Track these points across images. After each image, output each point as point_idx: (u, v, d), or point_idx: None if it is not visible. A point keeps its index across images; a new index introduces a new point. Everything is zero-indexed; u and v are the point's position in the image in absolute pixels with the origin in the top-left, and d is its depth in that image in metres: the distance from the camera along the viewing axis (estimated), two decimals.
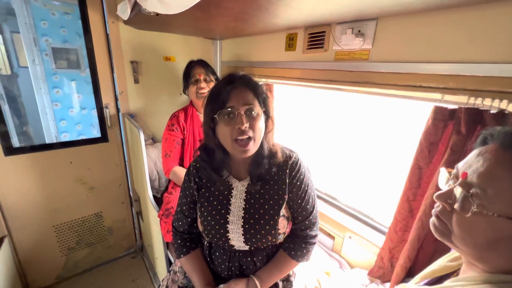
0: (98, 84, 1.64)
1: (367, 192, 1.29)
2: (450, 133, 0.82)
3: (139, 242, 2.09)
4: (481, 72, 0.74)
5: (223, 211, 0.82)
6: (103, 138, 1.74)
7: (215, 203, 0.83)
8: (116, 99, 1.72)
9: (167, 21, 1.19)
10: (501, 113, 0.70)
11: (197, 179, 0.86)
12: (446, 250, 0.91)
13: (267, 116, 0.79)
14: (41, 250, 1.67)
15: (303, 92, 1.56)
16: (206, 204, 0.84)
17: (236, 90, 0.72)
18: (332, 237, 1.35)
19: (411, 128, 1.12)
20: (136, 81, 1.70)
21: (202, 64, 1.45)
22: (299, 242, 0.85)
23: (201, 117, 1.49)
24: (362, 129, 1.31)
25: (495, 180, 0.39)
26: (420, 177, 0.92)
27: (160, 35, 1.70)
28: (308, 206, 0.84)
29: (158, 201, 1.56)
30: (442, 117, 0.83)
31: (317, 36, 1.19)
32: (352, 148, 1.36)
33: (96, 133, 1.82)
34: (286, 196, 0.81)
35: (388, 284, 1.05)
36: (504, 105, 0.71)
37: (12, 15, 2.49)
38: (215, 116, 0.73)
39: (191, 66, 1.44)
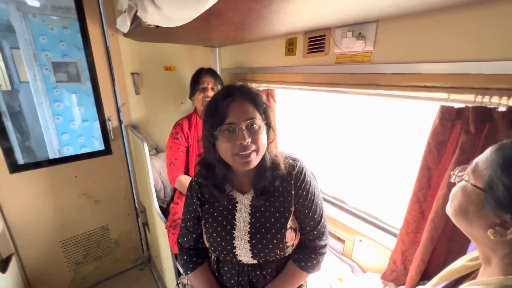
0: (100, 97, 1.64)
1: (375, 194, 1.27)
2: (459, 132, 0.81)
3: (146, 254, 2.08)
4: (487, 70, 0.73)
5: (228, 227, 0.80)
6: (107, 150, 1.74)
7: (219, 218, 0.81)
8: (118, 111, 1.72)
9: (167, 32, 1.19)
10: (511, 111, 0.69)
11: (199, 195, 0.84)
12: (460, 251, 0.90)
13: (269, 126, 0.76)
14: (48, 266, 1.66)
15: (306, 96, 1.56)
16: (210, 220, 0.81)
17: (235, 104, 0.69)
18: (342, 241, 1.33)
19: (418, 128, 1.12)
20: (137, 92, 1.70)
21: (211, 73, 1.46)
22: (308, 253, 0.83)
23: None
24: (368, 131, 1.30)
25: (485, 156, 0.44)
26: (430, 177, 0.91)
27: (159, 45, 1.71)
28: (315, 216, 0.82)
29: (165, 211, 1.56)
30: (449, 116, 0.82)
31: (317, 40, 1.19)
32: (359, 150, 1.35)
33: (98, 144, 1.83)
34: (293, 208, 0.79)
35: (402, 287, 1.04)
36: None
37: (12, 31, 2.51)
38: (214, 132, 0.69)
39: (201, 73, 1.44)
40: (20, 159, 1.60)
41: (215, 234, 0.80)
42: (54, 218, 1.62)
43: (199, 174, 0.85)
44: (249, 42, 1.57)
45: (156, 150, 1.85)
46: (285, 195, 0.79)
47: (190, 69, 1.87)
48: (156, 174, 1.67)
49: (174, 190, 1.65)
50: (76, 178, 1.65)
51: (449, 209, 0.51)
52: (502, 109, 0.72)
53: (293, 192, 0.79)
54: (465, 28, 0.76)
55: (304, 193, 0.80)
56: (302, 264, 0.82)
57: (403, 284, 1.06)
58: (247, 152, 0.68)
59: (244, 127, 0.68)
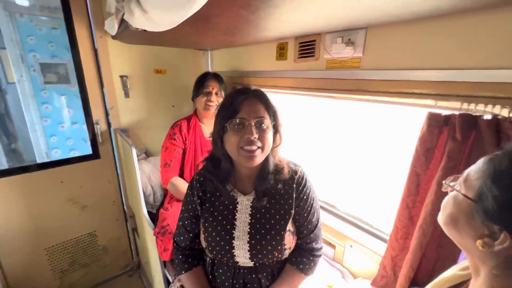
0: (88, 100, 1.60)
1: (366, 199, 1.27)
2: (446, 139, 0.82)
3: (135, 260, 2.03)
4: (473, 78, 0.74)
5: (228, 227, 0.80)
6: (95, 155, 1.70)
7: (220, 218, 0.81)
8: (107, 115, 1.68)
9: (156, 36, 1.18)
10: (495, 119, 0.70)
11: (200, 193, 0.84)
12: (449, 256, 0.90)
13: (276, 130, 0.79)
14: (32, 275, 1.60)
15: (297, 100, 1.55)
16: (210, 219, 0.82)
17: (248, 101, 0.73)
18: (333, 246, 1.33)
19: (406, 133, 1.12)
20: (127, 95, 1.67)
21: (217, 78, 1.45)
22: (306, 255, 0.85)
23: (204, 128, 1.48)
24: (358, 136, 1.30)
25: (477, 166, 0.45)
26: (418, 184, 0.91)
27: (149, 48, 1.68)
28: (313, 220, 0.85)
29: (154, 217, 1.52)
30: (436, 123, 0.82)
31: (307, 45, 1.19)
32: (349, 155, 1.35)
33: (88, 147, 1.79)
34: (293, 211, 0.81)
35: None
36: (498, 110, 0.71)
37: None
38: (225, 124, 0.73)
39: (207, 76, 1.43)
40: (4, 163, 1.55)
41: (214, 233, 0.80)
42: (38, 225, 1.57)
43: (201, 173, 0.86)
44: (241, 46, 1.56)
45: (146, 154, 1.81)
46: (286, 198, 0.81)
47: (181, 72, 1.86)
48: (145, 178, 1.64)
49: (164, 195, 1.62)
50: (62, 183, 1.60)
51: (440, 218, 0.51)
52: (487, 117, 0.72)
53: (294, 195, 0.81)
54: (452, 37, 0.77)
55: (305, 197, 0.82)
56: (301, 266, 0.84)
57: None
58: (253, 147, 0.71)
59: (253, 123, 0.71)
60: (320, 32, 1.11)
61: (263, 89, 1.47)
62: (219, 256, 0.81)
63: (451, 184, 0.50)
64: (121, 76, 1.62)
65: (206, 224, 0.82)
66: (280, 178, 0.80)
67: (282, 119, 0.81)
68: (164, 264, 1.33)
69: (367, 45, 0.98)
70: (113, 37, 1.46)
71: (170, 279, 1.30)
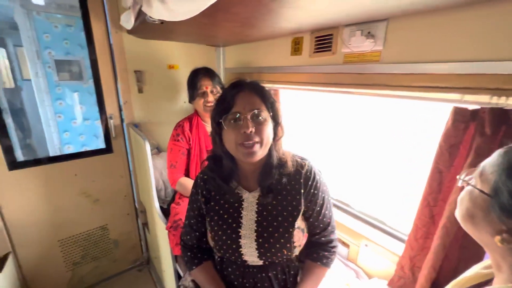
0: (102, 95, 1.62)
1: (381, 198, 1.24)
2: (472, 134, 0.78)
3: (145, 255, 2.05)
4: (503, 70, 0.70)
5: (234, 225, 0.78)
6: (108, 149, 1.71)
7: (225, 216, 0.79)
8: (120, 109, 1.70)
9: (171, 29, 1.18)
10: None
11: (204, 192, 0.83)
12: (473, 257, 0.86)
13: (276, 122, 0.76)
14: (46, 266, 1.63)
15: (311, 96, 1.53)
16: (216, 218, 0.80)
17: (242, 94, 0.71)
18: (347, 245, 1.30)
19: (425, 130, 1.09)
20: (140, 90, 1.68)
21: (208, 74, 1.38)
22: (325, 248, 0.84)
23: (207, 126, 1.47)
24: (373, 132, 1.27)
25: (492, 159, 0.43)
26: (441, 181, 0.88)
27: (163, 44, 1.69)
28: (327, 213, 0.82)
29: (165, 212, 1.52)
30: (462, 118, 0.79)
31: (324, 40, 1.17)
32: (364, 152, 1.32)
33: (99, 143, 1.81)
34: (301, 208, 0.78)
35: None
36: None
37: (15, 29, 2.51)
38: (220, 120, 0.71)
39: (197, 75, 1.37)
40: (20, 156, 1.58)
41: (220, 232, 0.79)
42: (53, 216, 1.59)
43: (205, 171, 0.84)
44: (254, 42, 1.55)
45: (157, 150, 1.82)
46: (293, 194, 0.78)
47: (194, 67, 1.85)
48: (157, 173, 1.64)
49: (175, 190, 1.62)
50: (76, 176, 1.62)
51: (457, 213, 0.50)
52: None
53: (302, 191, 0.78)
54: (480, 27, 0.73)
55: (315, 191, 0.79)
56: (324, 261, 0.83)
57: None
58: (250, 142, 0.68)
59: (249, 117, 0.68)
60: (337, 25, 1.09)
61: (276, 85, 1.48)
62: (227, 255, 0.79)
63: (466, 178, 0.48)
64: (136, 71, 1.63)
65: (212, 223, 0.80)
66: (284, 172, 0.77)
67: (281, 110, 0.78)
68: (175, 258, 1.33)
69: (388, 38, 0.95)
70: (129, 32, 1.47)
71: (181, 273, 1.30)
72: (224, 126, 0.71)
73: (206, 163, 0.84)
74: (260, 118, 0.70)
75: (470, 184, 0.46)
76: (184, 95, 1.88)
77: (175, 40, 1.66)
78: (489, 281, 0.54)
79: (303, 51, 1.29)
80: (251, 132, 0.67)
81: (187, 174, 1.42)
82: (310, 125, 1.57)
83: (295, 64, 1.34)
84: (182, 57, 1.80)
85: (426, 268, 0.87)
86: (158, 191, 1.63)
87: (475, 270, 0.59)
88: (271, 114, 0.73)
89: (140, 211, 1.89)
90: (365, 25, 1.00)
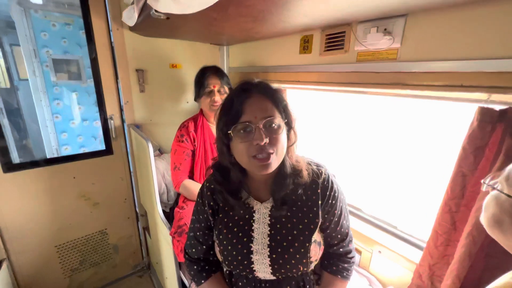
0: (102, 95, 1.56)
1: (395, 202, 1.19)
2: (500, 136, 0.74)
3: (146, 260, 1.98)
4: None
5: (245, 239, 0.72)
6: (108, 150, 1.65)
7: (235, 229, 0.73)
8: (121, 110, 1.64)
9: (176, 25, 1.12)
10: None
11: (212, 203, 0.76)
12: (499, 266, 0.81)
13: (289, 127, 0.68)
14: (42, 273, 1.56)
15: (321, 96, 1.48)
16: (225, 231, 0.73)
17: (251, 100, 0.63)
18: (359, 252, 1.25)
19: (441, 131, 1.04)
20: (142, 90, 1.63)
21: (217, 73, 1.35)
22: (345, 260, 0.79)
23: (213, 127, 1.42)
24: (387, 133, 1.22)
25: None
26: (464, 185, 0.83)
27: (165, 42, 1.63)
28: (345, 223, 0.77)
29: (168, 216, 1.47)
30: (490, 118, 0.74)
31: (335, 37, 1.12)
32: (377, 154, 1.27)
33: (97, 144, 1.75)
34: (319, 220, 0.71)
35: None
36: None
37: (12, 28, 2.44)
38: (229, 132, 0.63)
39: (205, 74, 1.32)
40: (16, 158, 1.52)
41: (229, 247, 0.72)
42: (50, 221, 1.53)
43: (212, 180, 0.77)
44: (260, 40, 1.50)
45: (159, 151, 1.76)
46: (309, 205, 0.72)
47: (197, 67, 1.79)
48: (159, 176, 1.58)
49: (178, 194, 1.56)
50: (75, 179, 1.56)
51: (483, 220, 0.47)
52: None
53: (320, 202, 0.72)
54: (508, 21, 0.69)
55: (334, 202, 0.73)
56: (345, 274, 0.78)
57: None
58: (265, 155, 0.62)
59: (261, 126, 0.61)
60: (350, 22, 1.04)
61: (284, 85, 1.43)
62: (237, 270, 0.73)
63: (491, 183, 0.45)
64: (137, 70, 1.58)
65: (221, 237, 0.73)
66: (300, 182, 0.70)
67: (294, 112, 0.70)
68: (179, 265, 1.27)
69: (406, 34, 0.90)
70: (131, 29, 1.41)
71: (186, 281, 1.24)
72: (232, 137, 0.64)
73: (211, 171, 0.78)
74: (274, 125, 0.62)
75: (495, 188, 0.43)
76: (187, 95, 1.83)
77: (179, 38, 1.61)
78: None
79: (312, 49, 1.24)
80: (265, 143, 0.60)
81: (191, 177, 1.37)
82: (319, 126, 1.52)
83: (304, 63, 1.30)
84: (185, 56, 1.75)
85: (450, 278, 0.82)
86: (160, 195, 1.57)
87: (504, 280, 0.53)
88: (285, 119, 0.66)
89: (140, 215, 1.83)
90: (381, 21, 0.95)
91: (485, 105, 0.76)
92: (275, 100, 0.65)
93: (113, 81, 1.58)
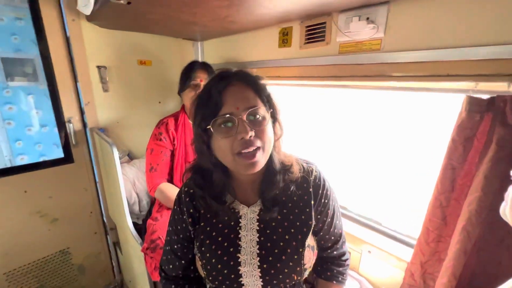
0: (58, 96, 1.38)
1: (382, 199, 1.16)
2: (489, 126, 0.72)
3: (118, 278, 1.78)
4: None
5: (231, 249, 0.63)
6: (67, 158, 1.46)
7: (219, 239, 0.64)
8: (81, 112, 1.45)
9: (141, 12, 0.99)
10: None
11: (191, 210, 0.66)
12: (490, 261, 0.79)
13: (274, 119, 0.62)
14: None
15: (303, 92, 1.42)
16: (207, 242, 0.64)
17: (231, 89, 0.56)
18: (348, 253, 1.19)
19: (429, 125, 1.03)
20: (106, 89, 1.46)
21: (206, 68, 1.27)
22: (339, 263, 0.75)
23: None
24: (371, 129, 1.19)
25: None
26: (454, 179, 0.80)
27: (132, 36, 1.48)
28: (337, 228, 0.71)
29: (140, 229, 1.31)
30: (478, 108, 0.72)
31: (316, 29, 1.06)
32: (362, 151, 1.23)
33: (60, 152, 1.55)
34: (312, 222, 0.65)
35: None
36: None
37: None
38: (208, 127, 0.55)
39: (193, 67, 1.24)
40: None
41: (213, 260, 0.63)
42: None
43: (191, 184, 0.67)
44: (236, 34, 1.41)
45: (129, 157, 1.60)
46: (301, 206, 0.65)
47: (169, 64, 1.67)
48: (129, 184, 1.42)
49: (152, 203, 1.41)
50: (26, 193, 1.35)
51: (510, 212, 0.43)
52: None
53: (312, 202, 0.65)
54: (495, 6, 0.66)
55: (327, 201, 0.67)
56: (340, 278, 0.74)
57: None
58: (251, 150, 0.54)
59: (245, 118, 0.54)
60: (330, 11, 0.99)
61: (263, 81, 1.35)
62: (224, 286, 0.64)
63: None
64: (99, 67, 1.41)
65: (203, 249, 0.64)
66: (291, 178, 0.64)
67: (278, 103, 0.64)
68: (154, 285, 1.13)
69: (389, 23, 0.86)
70: (88, 19, 1.25)
71: None
72: (213, 133, 0.56)
73: (188, 175, 0.68)
74: (258, 117, 0.56)
75: None
76: (159, 95, 1.69)
77: (145, 31, 1.46)
78: None
79: (292, 42, 1.18)
80: (250, 137, 0.53)
81: (169, 180, 1.24)
82: (301, 122, 1.46)
83: (284, 57, 1.23)
84: (156, 52, 1.60)
85: (446, 276, 0.78)
86: (131, 205, 1.41)
87: None
88: (270, 109, 0.59)
89: (110, 229, 1.64)
90: (363, 10, 0.91)
91: (473, 95, 0.73)
92: (258, 89, 0.59)
93: (71, 79, 1.40)
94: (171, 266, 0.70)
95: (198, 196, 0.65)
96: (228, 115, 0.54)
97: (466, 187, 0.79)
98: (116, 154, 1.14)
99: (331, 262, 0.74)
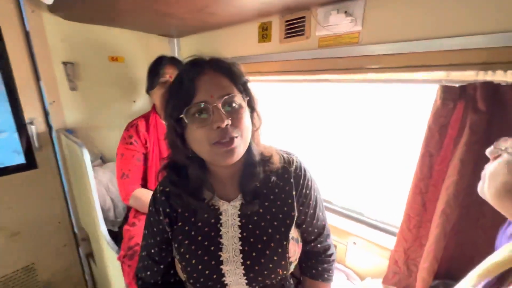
0: (17, 95, 1.24)
1: (365, 191, 1.18)
2: (462, 113, 0.76)
3: None
4: (489, 44, 0.68)
5: (212, 248, 0.59)
6: (29, 164, 1.32)
7: (199, 238, 0.60)
8: (45, 113, 1.32)
9: (110, 2, 0.92)
10: None
11: (168, 210, 0.62)
12: (467, 242, 0.83)
13: (252, 108, 0.60)
14: None
15: (284, 87, 1.42)
16: (186, 242, 0.60)
17: (205, 77, 0.53)
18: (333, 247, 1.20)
19: (398, 116, 1.07)
20: (73, 87, 1.34)
21: (175, 62, 1.18)
22: (325, 259, 0.73)
23: None
24: (351, 122, 1.22)
25: None
26: (431, 165, 0.84)
27: (102, 30, 1.38)
28: (321, 214, 0.70)
29: (116, 236, 1.22)
30: (451, 96, 0.76)
31: (295, 23, 1.06)
32: (342, 143, 1.25)
33: (23, 160, 1.39)
34: (295, 213, 0.63)
35: None
36: None
37: None
38: (181, 116, 0.52)
39: (161, 63, 1.15)
40: None
41: (194, 261, 0.59)
42: None
43: (166, 182, 0.63)
44: (216, 30, 1.38)
45: (101, 160, 1.48)
46: (283, 198, 0.63)
47: (143, 62, 1.58)
48: (102, 189, 1.32)
49: (129, 208, 1.32)
50: None
51: (488, 190, 0.44)
52: (507, 83, 0.67)
53: (294, 192, 0.63)
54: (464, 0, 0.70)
55: (308, 191, 0.65)
56: (326, 275, 0.72)
57: (406, 287, 0.96)
58: (228, 139, 0.52)
59: (220, 106, 0.51)
60: (310, 5, 1.00)
61: (239, 68, 1.33)
62: None
63: (504, 148, 0.42)
64: (65, 63, 1.29)
65: (182, 250, 0.60)
66: (271, 169, 0.62)
67: (255, 92, 0.61)
68: None
69: (367, 16, 0.88)
70: (51, 10, 1.14)
71: None
72: (186, 123, 0.53)
73: (163, 173, 0.64)
74: (234, 105, 0.54)
75: (509, 152, 0.40)
76: (134, 93, 1.59)
77: (117, 24, 1.37)
78: None
79: (272, 37, 1.17)
80: (227, 125, 0.51)
81: (144, 185, 1.16)
82: (282, 117, 1.46)
83: (264, 52, 1.21)
84: (128, 49, 1.52)
85: (428, 260, 0.81)
86: (105, 212, 1.31)
87: (503, 254, 0.51)
88: (247, 97, 0.57)
89: (82, 239, 1.51)
90: (341, 4, 0.92)
91: (445, 84, 0.77)
92: (233, 76, 0.56)
93: (32, 77, 1.27)
94: (148, 273, 0.65)
95: (174, 194, 0.61)
96: (202, 104, 0.51)
97: (442, 172, 0.83)
98: (86, 156, 1.05)
99: (316, 259, 0.72)
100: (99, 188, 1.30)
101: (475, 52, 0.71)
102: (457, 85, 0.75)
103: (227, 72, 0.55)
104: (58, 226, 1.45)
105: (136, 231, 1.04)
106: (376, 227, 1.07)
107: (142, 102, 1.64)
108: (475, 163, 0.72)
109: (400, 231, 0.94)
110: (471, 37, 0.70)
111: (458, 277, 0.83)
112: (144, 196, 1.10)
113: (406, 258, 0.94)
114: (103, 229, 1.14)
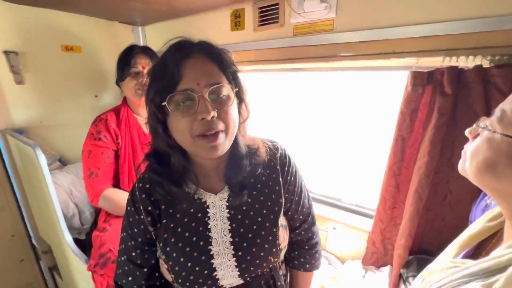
0: None
1: (342, 177, 1.22)
2: (429, 97, 0.80)
3: None
4: (454, 30, 0.72)
5: (201, 243, 0.56)
6: None
7: (186, 234, 0.56)
8: None
9: None
10: (482, 69, 0.70)
11: (149, 208, 0.57)
12: (436, 218, 0.89)
13: (240, 99, 0.56)
14: None
15: (258, 77, 1.39)
16: (173, 240, 0.56)
17: (191, 62, 0.49)
18: (317, 235, 1.23)
19: (372, 103, 1.11)
20: (19, 80, 1.17)
21: (147, 52, 1.08)
22: (310, 248, 0.71)
23: (141, 120, 1.13)
24: (325, 110, 1.24)
25: None
26: (403, 148, 0.88)
27: (54, 15, 1.22)
28: (306, 201, 0.69)
29: (84, 245, 1.11)
30: (420, 81, 0.79)
31: (269, 10, 1.04)
32: (318, 132, 1.27)
33: None
34: (282, 200, 0.62)
35: (385, 269, 0.99)
36: (479, 61, 0.72)
37: None
38: (163, 103, 0.48)
39: (132, 52, 1.05)
40: None
41: (182, 259, 0.55)
42: None
43: (146, 178, 0.58)
44: (184, 17, 1.29)
45: (61, 162, 1.33)
46: (270, 185, 0.62)
47: (104, 52, 1.45)
48: (64, 194, 1.19)
49: (97, 213, 1.21)
50: None
51: (470, 166, 0.45)
52: (469, 68, 0.72)
53: (281, 179, 0.62)
54: None
55: (293, 178, 0.65)
56: (313, 261, 0.72)
57: (383, 265, 1.02)
58: (212, 132, 0.48)
59: (206, 96, 0.47)
60: None
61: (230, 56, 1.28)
62: (197, 286, 0.57)
63: (483, 125, 0.44)
64: (7, 52, 1.12)
65: (168, 249, 0.56)
66: (257, 161, 0.61)
67: (244, 82, 0.58)
68: None
69: (340, 4, 0.89)
70: None
71: None
72: (169, 111, 0.49)
73: (143, 166, 0.59)
74: (222, 96, 0.50)
75: (489, 130, 0.41)
76: (95, 87, 1.45)
77: (71, 9, 1.21)
78: (496, 233, 0.50)
79: (245, 25, 1.13)
80: (212, 117, 0.47)
81: (116, 185, 1.06)
82: (259, 106, 1.44)
83: (238, 41, 1.17)
84: (86, 37, 1.36)
85: (403, 237, 0.85)
86: (68, 219, 1.18)
87: (479, 226, 0.55)
88: (236, 88, 0.53)
89: (42, 252, 1.35)
90: None
91: (416, 70, 0.80)
92: (223, 64, 0.52)
93: None
94: (130, 279, 0.59)
95: (155, 184, 0.55)
96: (187, 91, 0.47)
97: (413, 155, 0.87)
98: (42, 158, 0.93)
99: (298, 250, 0.71)
100: (60, 194, 1.16)
101: (441, 38, 0.75)
102: (425, 71, 0.79)
103: (217, 59, 0.51)
104: (11, 240, 1.29)
105: (107, 237, 0.95)
106: (354, 211, 1.11)
107: (104, 97, 1.50)
108: (443, 144, 0.77)
109: (376, 213, 0.98)
110: (438, 24, 0.74)
111: (429, 252, 0.91)
112: (116, 196, 1.01)
113: (382, 238, 0.99)
114: (67, 238, 1.02)
